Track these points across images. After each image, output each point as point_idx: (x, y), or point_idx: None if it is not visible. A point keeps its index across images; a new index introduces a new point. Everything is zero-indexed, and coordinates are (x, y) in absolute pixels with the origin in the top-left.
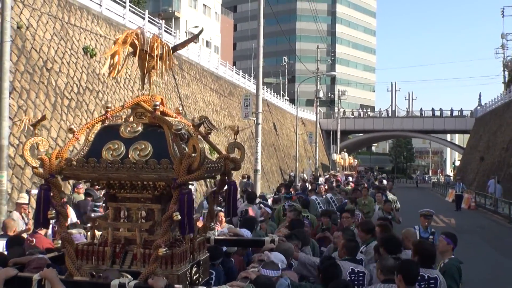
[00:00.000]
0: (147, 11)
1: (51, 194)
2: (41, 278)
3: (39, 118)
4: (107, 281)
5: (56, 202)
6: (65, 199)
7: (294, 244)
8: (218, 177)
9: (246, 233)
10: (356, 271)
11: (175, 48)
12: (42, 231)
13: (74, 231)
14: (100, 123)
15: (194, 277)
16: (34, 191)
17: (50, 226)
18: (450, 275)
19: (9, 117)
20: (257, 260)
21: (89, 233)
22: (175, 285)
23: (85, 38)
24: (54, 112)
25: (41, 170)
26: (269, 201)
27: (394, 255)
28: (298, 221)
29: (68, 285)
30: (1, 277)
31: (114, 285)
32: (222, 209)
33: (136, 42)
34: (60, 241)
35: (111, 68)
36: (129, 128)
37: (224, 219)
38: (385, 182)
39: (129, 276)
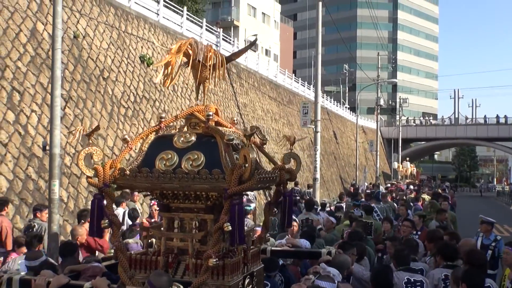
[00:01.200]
0: (204, 20)
1: (105, 203)
2: (92, 287)
3: (93, 128)
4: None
5: (109, 212)
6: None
7: (349, 254)
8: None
9: (305, 243)
10: (412, 280)
11: (230, 58)
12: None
13: (130, 240)
14: (154, 133)
15: None
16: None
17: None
18: None
19: (66, 126)
20: (312, 272)
21: (144, 241)
22: None
23: (142, 47)
24: (110, 121)
25: (95, 179)
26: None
27: (451, 262)
28: (357, 233)
29: None
30: (54, 284)
31: None
32: (296, 219)
33: (190, 51)
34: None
35: (165, 78)
36: (182, 138)
37: (296, 229)
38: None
39: (181, 286)
